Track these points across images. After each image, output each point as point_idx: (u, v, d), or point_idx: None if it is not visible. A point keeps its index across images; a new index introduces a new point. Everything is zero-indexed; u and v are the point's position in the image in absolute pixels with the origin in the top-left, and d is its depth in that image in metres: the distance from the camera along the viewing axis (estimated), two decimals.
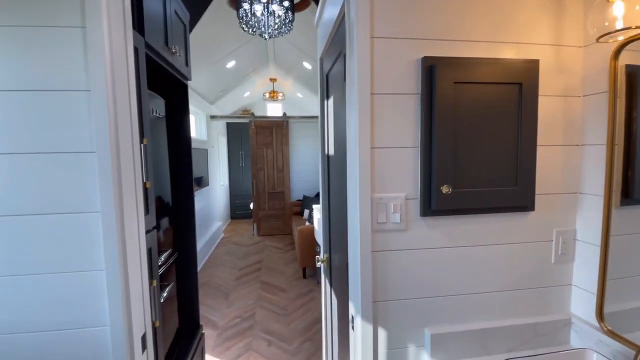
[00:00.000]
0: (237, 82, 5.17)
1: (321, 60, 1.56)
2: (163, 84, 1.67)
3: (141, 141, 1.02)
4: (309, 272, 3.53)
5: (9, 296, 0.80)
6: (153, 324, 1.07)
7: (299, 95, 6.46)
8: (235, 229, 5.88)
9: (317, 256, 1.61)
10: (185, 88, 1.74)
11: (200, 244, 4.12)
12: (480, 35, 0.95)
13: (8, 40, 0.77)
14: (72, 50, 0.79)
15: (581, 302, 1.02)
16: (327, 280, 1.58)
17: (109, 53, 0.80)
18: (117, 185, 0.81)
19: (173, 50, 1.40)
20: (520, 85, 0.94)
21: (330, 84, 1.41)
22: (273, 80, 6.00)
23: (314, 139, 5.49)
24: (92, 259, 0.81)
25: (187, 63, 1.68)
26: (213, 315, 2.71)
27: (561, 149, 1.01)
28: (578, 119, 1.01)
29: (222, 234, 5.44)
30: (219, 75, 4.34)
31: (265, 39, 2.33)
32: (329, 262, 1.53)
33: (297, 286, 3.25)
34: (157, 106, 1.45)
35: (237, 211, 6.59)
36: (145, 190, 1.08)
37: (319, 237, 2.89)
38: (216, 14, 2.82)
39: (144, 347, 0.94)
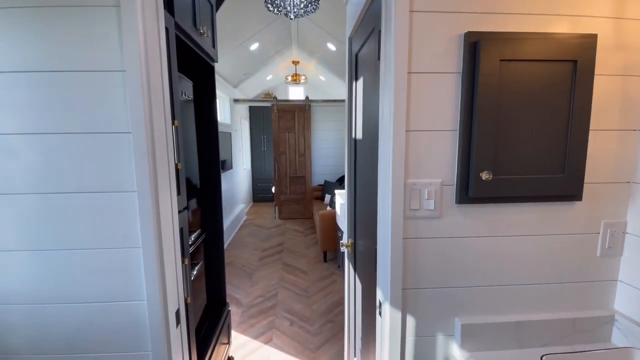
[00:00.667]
0: (260, 65, 5.13)
1: (350, 39, 1.49)
2: (191, 66, 1.67)
3: (173, 122, 1.02)
4: (330, 256, 3.56)
5: (55, 268, 0.86)
6: (185, 300, 1.12)
7: (322, 78, 6.34)
8: (257, 211, 6.01)
9: (342, 241, 1.61)
10: (212, 70, 1.74)
11: (224, 225, 4.25)
12: (530, 8, 0.86)
13: (45, 21, 0.78)
14: (106, 29, 0.79)
15: (627, 299, 0.96)
16: (350, 265, 1.58)
17: (142, 32, 0.79)
18: (151, 165, 0.82)
19: (201, 31, 1.39)
20: (574, 63, 0.85)
21: (359, 64, 1.35)
22: (296, 62, 5.91)
23: (336, 123, 5.42)
24: (129, 236, 0.84)
25: (214, 44, 1.67)
26: (237, 294, 2.81)
27: (616, 133, 0.92)
28: (638, 100, 0.91)
29: (245, 216, 5.58)
30: (242, 58, 4.32)
31: (291, 18, 2.27)
32: (354, 247, 1.52)
33: (318, 269, 3.30)
34: (186, 88, 1.46)
35: (259, 194, 6.71)
36: (177, 171, 1.10)
37: (341, 222, 2.89)
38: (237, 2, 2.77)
39: (177, 321, 0.98)
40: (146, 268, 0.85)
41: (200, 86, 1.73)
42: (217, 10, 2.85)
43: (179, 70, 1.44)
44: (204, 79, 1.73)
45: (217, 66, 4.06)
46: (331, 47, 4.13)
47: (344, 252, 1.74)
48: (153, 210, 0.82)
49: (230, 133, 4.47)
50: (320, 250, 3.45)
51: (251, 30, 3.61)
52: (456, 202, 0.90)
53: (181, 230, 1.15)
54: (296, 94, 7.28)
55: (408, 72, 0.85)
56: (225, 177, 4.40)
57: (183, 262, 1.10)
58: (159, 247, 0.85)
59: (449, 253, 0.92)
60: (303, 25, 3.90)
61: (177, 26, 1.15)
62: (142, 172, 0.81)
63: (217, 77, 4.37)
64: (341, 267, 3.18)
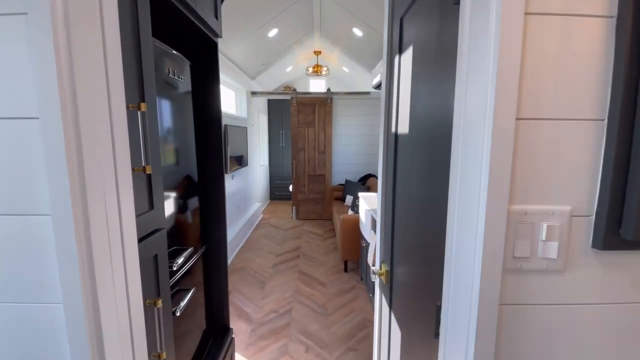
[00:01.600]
0: (279, 55, 4.81)
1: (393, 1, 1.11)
2: (186, 43, 1.35)
3: (136, 106, 0.70)
4: (351, 266, 3.20)
5: None
6: (158, 357, 0.80)
7: (345, 69, 5.94)
8: (274, 210, 5.74)
9: (372, 267, 1.24)
10: (215, 48, 1.41)
11: (238, 225, 3.99)
12: None
13: None
14: None
15: None
16: (384, 299, 1.21)
17: None
18: (76, 171, 0.49)
19: None
20: None
21: (406, 30, 0.97)
22: (317, 53, 5.53)
23: (360, 118, 5.01)
24: (45, 286, 0.52)
25: (216, 14, 1.34)
26: (247, 307, 2.52)
27: None
28: None
29: (261, 215, 5.32)
30: (260, 46, 4.00)
31: None
32: (390, 277, 1.15)
33: (337, 280, 2.96)
34: (178, 67, 1.14)
35: (276, 192, 6.44)
36: (148, 177, 0.78)
37: (366, 230, 2.51)
38: None
39: None
40: (70, 334, 0.53)
41: (199, 68, 1.41)
42: None
43: (169, 44, 1.12)
44: (205, 58, 1.41)
45: (233, 54, 3.78)
46: (357, 32, 3.73)
47: (374, 281, 1.38)
48: (79, 243, 0.50)
49: (246, 127, 4.18)
50: (341, 258, 3.10)
51: (270, 14, 3.28)
52: (595, 246, 0.51)
53: (155, 257, 0.83)
54: (317, 86, 6.91)
55: (525, 13, 0.47)
56: (240, 175, 4.14)
57: (154, 304, 0.78)
58: (91, 300, 0.53)
59: (578, 333, 0.53)
60: (326, 7, 3.52)
61: None
62: (59, 182, 0.48)
63: (233, 67, 4.09)
64: (365, 281, 2.81)
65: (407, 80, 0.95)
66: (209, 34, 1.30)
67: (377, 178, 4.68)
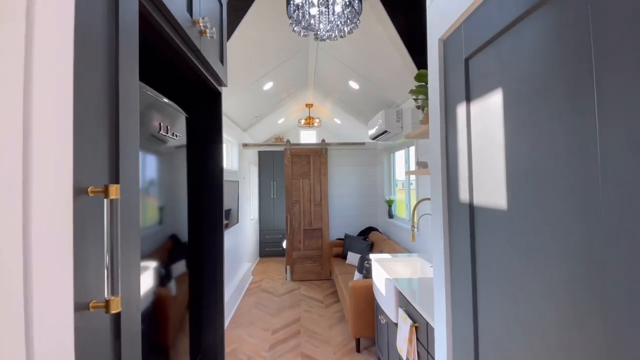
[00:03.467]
0: (272, 107, 4.74)
1: (444, 42, 0.92)
2: (185, 90, 1.10)
3: (102, 190, 0.39)
4: (365, 343, 2.71)
5: None
6: None
7: (337, 121, 5.96)
8: (265, 270, 5.19)
9: None
10: (218, 98, 1.16)
11: (227, 293, 3.45)
12: None
13: None
14: None
15: None
16: None
17: None
18: None
19: (202, 27, 0.83)
20: None
21: (478, 70, 0.75)
22: (309, 105, 5.56)
23: (356, 168, 4.84)
24: None
25: (222, 59, 1.11)
26: None
27: None
28: None
29: (251, 277, 4.76)
30: (254, 99, 3.90)
31: (323, 39, 1.78)
32: None
33: None
34: (171, 121, 0.86)
35: (267, 248, 5.93)
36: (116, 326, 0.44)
37: (383, 300, 2.12)
38: (256, 22, 2.36)
39: None
40: None
41: (199, 120, 1.14)
42: (227, 39, 2.44)
43: (161, 91, 0.85)
44: (205, 109, 1.15)
45: (226, 108, 3.61)
46: (353, 85, 3.71)
47: None
48: None
49: (238, 181, 3.88)
50: (352, 335, 2.61)
51: (267, 67, 3.21)
52: None
53: None
54: (308, 137, 6.88)
55: None
56: (230, 234, 3.72)
57: None
58: None
59: None
60: (322, 61, 3.51)
61: None
62: None
63: (225, 119, 3.93)
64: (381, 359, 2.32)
65: (494, 133, 0.70)
66: (212, 81, 1.05)
67: (379, 232, 4.36)
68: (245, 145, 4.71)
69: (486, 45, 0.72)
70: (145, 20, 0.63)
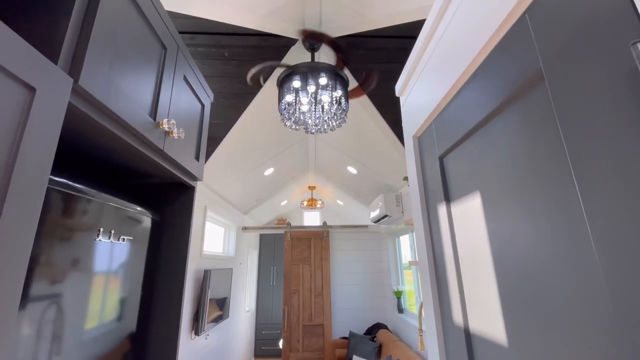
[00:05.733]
0: (274, 191, 4.81)
1: (418, 139, 0.89)
2: (154, 186, 1.06)
3: None
4: None
5: None
6: None
7: (339, 202, 5.95)
8: None
9: None
10: (191, 192, 1.11)
11: None
12: None
13: None
14: None
15: None
16: None
17: None
18: None
19: (167, 128, 0.81)
20: None
21: (455, 167, 0.68)
22: (312, 188, 5.64)
23: (359, 253, 4.57)
24: None
25: (197, 156, 1.10)
26: None
27: None
28: None
29: None
30: (255, 184, 3.97)
31: (312, 132, 1.84)
32: None
33: None
34: (117, 225, 0.78)
35: (263, 346, 5.22)
36: None
37: None
38: (255, 116, 2.53)
39: None
40: None
41: (166, 219, 1.07)
42: (226, 133, 2.58)
43: (127, 191, 0.79)
44: (175, 206, 1.08)
45: (226, 193, 3.65)
46: (352, 170, 3.78)
47: None
48: None
49: (232, 269, 3.65)
50: None
51: (267, 155, 3.34)
52: None
53: None
54: (312, 219, 6.80)
55: None
56: (217, 331, 3.30)
57: None
58: None
59: None
60: (321, 149, 3.66)
61: (83, 93, 0.56)
62: None
63: (225, 204, 3.92)
64: None
65: (478, 242, 0.58)
66: (183, 177, 1.01)
67: (388, 330, 3.83)
68: (244, 228, 4.61)
69: (458, 144, 0.67)
70: (91, 125, 0.61)
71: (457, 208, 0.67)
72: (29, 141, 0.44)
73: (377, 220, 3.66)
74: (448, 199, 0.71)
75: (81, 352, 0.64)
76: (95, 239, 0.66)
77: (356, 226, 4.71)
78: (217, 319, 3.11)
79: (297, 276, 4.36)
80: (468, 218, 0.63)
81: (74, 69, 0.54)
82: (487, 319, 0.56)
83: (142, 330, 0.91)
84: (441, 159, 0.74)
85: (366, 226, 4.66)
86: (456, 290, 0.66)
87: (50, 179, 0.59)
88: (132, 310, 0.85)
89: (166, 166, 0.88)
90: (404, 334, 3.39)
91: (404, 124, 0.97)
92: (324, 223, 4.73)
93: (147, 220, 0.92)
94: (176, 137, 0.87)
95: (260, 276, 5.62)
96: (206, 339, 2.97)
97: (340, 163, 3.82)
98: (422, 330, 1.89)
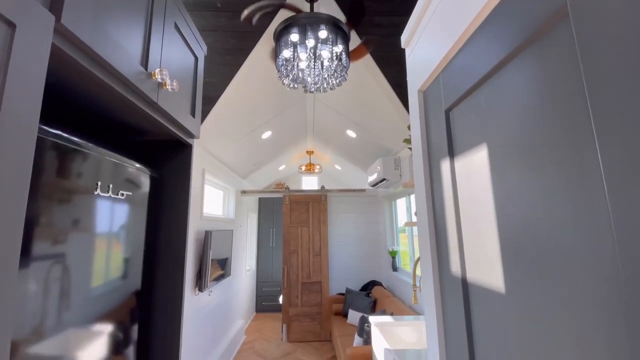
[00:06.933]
0: (272, 155, 4.77)
1: (423, 93, 0.85)
2: (151, 143, 1.03)
3: None
4: None
5: None
6: None
7: (337, 167, 5.96)
8: (260, 328, 4.77)
9: None
10: (188, 150, 1.09)
11: (215, 356, 3.10)
12: None
13: None
14: None
15: None
16: None
17: None
18: None
19: (160, 79, 0.77)
20: None
21: (463, 122, 0.66)
22: (310, 152, 5.61)
23: (356, 216, 4.68)
24: None
25: (193, 111, 1.06)
26: None
27: None
28: None
29: (244, 337, 4.35)
30: (253, 147, 3.93)
31: (311, 91, 1.77)
32: None
33: None
34: (114, 179, 0.77)
35: (264, 302, 5.53)
36: None
37: None
38: (250, 75, 2.43)
39: None
40: None
41: (165, 178, 1.06)
42: (221, 93, 2.49)
43: (132, 152, 0.77)
44: (173, 165, 1.07)
45: (224, 156, 3.62)
46: (351, 133, 3.73)
47: None
48: None
49: (232, 230, 3.74)
50: None
51: (264, 117, 3.26)
52: None
53: None
54: (310, 184, 6.85)
55: None
56: (219, 288, 3.47)
57: None
58: None
59: None
60: (320, 112, 3.58)
61: (70, 38, 0.52)
62: None
63: (223, 167, 3.91)
64: None
65: (482, 197, 0.58)
66: (179, 134, 0.98)
67: (382, 287, 4.04)
68: (243, 192, 4.65)
69: (466, 96, 0.64)
70: (80, 72, 0.57)
71: (461, 162, 0.67)
72: (14, 82, 0.41)
73: (375, 184, 3.69)
74: (452, 154, 0.70)
75: (89, 308, 0.67)
76: (93, 192, 0.66)
77: (354, 190, 4.76)
78: (219, 278, 3.25)
79: (296, 238, 4.49)
80: (472, 172, 0.62)
81: (55, 6, 0.49)
82: (486, 268, 0.58)
83: (147, 287, 0.94)
84: (447, 113, 0.72)
85: (364, 190, 4.71)
86: (455, 242, 0.68)
87: (43, 130, 0.56)
88: (136, 267, 0.87)
89: (161, 121, 0.86)
90: (398, 290, 3.58)
91: (408, 78, 0.93)
92: (322, 187, 4.77)
93: (145, 177, 0.91)
94: (170, 90, 0.83)
95: (260, 238, 5.79)
96: (209, 295, 3.12)
97: (339, 126, 3.76)
98: (415, 285, 1.98)
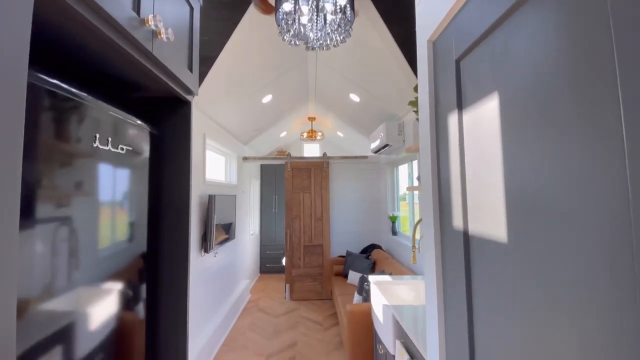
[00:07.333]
0: (273, 120, 4.69)
1: (433, 43, 0.80)
2: (149, 101, 1.01)
3: None
4: None
5: None
6: None
7: (339, 134, 5.87)
8: (264, 287, 5.01)
9: None
10: (187, 107, 1.06)
11: (222, 312, 3.30)
12: None
13: None
14: None
15: None
16: None
17: None
18: None
19: (154, 26, 0.73)
20: None
21: (473, 72, 0.63)
22: (312, 119, 5.50)
23: (358, 183, 4.70)
24: None
25: (190, 66, 1.02)
26: None
27: None
28: None
29: (249, 295, 4.58)
30: (253, 112, 3.85)
31: (313, 48, 1.69)
32: None
33: None
34: (114, 131, 0.76)
35: (268, 264, 5.76)
36: None
37: (382, 330, 1.93)
38: (249, 33, 2.31)
39: None
40: None
41: (167, 134, 1.04)
42: (218, 53, 2.38)
43: (134, 109, 0.74)
44: (174, 121, 1.05)
45: (224, 120, 3.56)
46: (354, 97, 3.62)
47: None
48: None
49: (235, 195, 3.78)
50: None
51: (264, 80, 3.15)
52: None
53: None
54: (311, 151, 6.81)
55: None
56: (224, 250, 3.58)
57: None
58: None
59: None
60: (322, 74, 3.45)
61: None
62: None
63: (223, 132, 3.86)
64: None
65: (489, 148, 0.57)
66: (177, 89, 0.95)
67: (382, 250, 4.17)
68: (245, 158, 4.64)
69: (479, 43, 0.60)
70: (66, 13, 0.53)
71: (469, 115, 0.64)
72: None
73: (378, 151, 3.66)
74: (461, 106, 0.67)
75: (98, 268, 0.68)
76: (92, 145, 0.65)
77: (356, 157, 4.74)
78: (224, 242, 3.35)
79: (298, 203, 4.56)
80: (481, 124, 0.60)
81: None
82: (489, 220, 0.58)
83: (153, 249, 0.96)
84: (457, 62, 0.68)
85: (366, 157, 4.69)
86: (459, 196, 0.67)
87: (36, 76, 0.54)
88: (141, 228, 0.88)
89: (158, 74, 0.82)
90: (397, 253, 3.70)
91: (417, 28, 0.87)
92: (324, 154, 4.75)
93: (145, 134, 0.90)
94: (165, 39, 0.79)
95: (263, 204, 5.88)
96: (215, 256, 3.24)
97: (342, 90, 3.64)
98: (415, 247, 2.03)
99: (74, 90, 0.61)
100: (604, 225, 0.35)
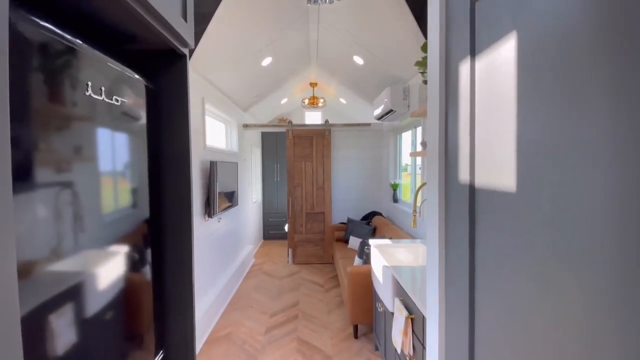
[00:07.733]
0: (274, 86, 4.55)
1: None
2: (143, 54, 0.95)
3: None
4: (363, 329, 2.64)
5: None
6: None
7: (342, 101, 5.73)
8: (267, 252, 5.17)
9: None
10: (183, 60, 1.01)
11: (228, 274, 3.43)
12: None
13: None
14: None
15: None
16: None
17: None
18: None
19: None
20: None
21: (493, 14, 0.58)
22: (313, 85, 5.33)
23: (360, 151, 4.66)
24: None
25: (184, 14, 0.96)
26: None
27: None
28: None
29: (253, 260, 4.74)
30: (252, 76, 3.72)
31: (316, 1, 1.58)
32: None
33: (347, 351, 2.38)
34: (109, 82, 0.72)
35: (271, 231, 5.89)
36: None
37: (382, 290, 2.01)
38: None
39: None
40: None
41: (162, 91, 1.00)
42: (214, 11, 2.24)
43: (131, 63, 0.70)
44: (169, 77, 1.00)
45: (223, 85, 3.44)
46: (358, 60, 3.47)
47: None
48: None
49: (237, 163, 3.77)
50: (350, 322, 2.54)
51: (263, 40, 3.00)
52: None
53: None
54: (313, 118, 6.68)
55: None
56: (228, 216, 3.65)
57: None
58: None
59: None
60: (324, 33, 3.28)
61: None
62: None
63: (223, 97, 3.75)
64: (384, 355, 2.25)
65: (503, 96, 0.54)
66: (172, 40, 0.90)
67: (382, 216, 4.23)
68: (245, 126, 4.56)
69: None
70: None
71: (482, 61, 0.60)
72: None
73: (381, 117, 3.57)
74: (474, 52, 0.63)
75: (103, 232, 0.68)
76: (84, 93, 0.62)
77: (359, 124, 4.65)
78: (227, 208, 3.39)
79: (300, 172, 4.55)
80: (495, 69, 0.56)
81: None
82: (498, 173, 0.56)
83: (156, 213, 0.96)
84: (473, 4, 0.63)
85: (369, 124, 4.60)
86: (467, 149, 0.65)
87: (20, 14, 0.50)
88: (143, 193, 0.87)
89: (150, 20, 0.77)
90: (397, 219, 3.75)
91: None
92: (326, 121, 4.65)
93: (141, 87, 0.86)
94: None
95: (265, 173, 5.89)
96: (219, 221, 3.30)
97: (345, 52, 3.48)
98: (416, 211, 2.05)
99: (60, 32, 0.57)
100: (617, 168, 0.33)
